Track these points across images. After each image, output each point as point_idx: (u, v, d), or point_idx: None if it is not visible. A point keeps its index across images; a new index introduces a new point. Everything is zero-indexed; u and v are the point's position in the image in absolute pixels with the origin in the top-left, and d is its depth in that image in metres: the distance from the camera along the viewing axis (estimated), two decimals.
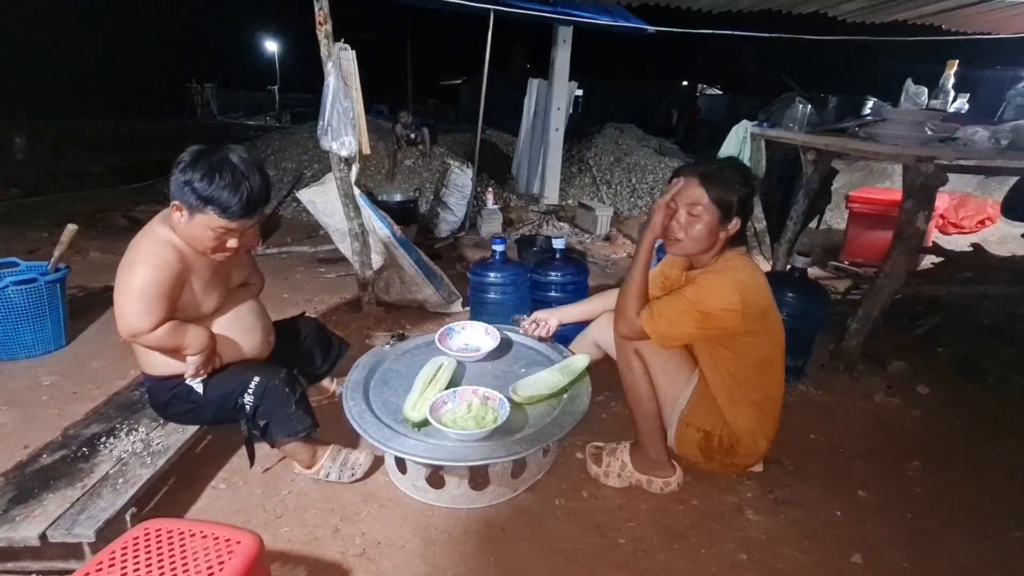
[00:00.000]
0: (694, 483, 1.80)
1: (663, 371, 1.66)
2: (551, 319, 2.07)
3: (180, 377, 1.61)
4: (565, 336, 2.13)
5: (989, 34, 4.96)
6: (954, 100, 3.04)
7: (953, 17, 4.42)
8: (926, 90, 2.96)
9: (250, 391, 1.60)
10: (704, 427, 1.66)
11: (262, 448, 1.75)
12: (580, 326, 2.08)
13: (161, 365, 1.61)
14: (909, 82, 2.95)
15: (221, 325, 1.66)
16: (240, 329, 1.70)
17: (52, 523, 1.32)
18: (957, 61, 3.00)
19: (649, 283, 1.91)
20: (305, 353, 2.04)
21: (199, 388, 1.61)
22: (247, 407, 1.60)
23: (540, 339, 2.09)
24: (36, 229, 4.61)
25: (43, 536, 1.29)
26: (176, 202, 1.47)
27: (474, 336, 2.13)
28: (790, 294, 2.44)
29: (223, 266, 1.65)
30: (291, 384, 1.66)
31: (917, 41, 5.26)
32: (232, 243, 1.53)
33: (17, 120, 11.23)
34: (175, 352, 1.57)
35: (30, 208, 5.50)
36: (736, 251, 1.63)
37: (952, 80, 2.99)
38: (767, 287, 1.62)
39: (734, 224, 1.59)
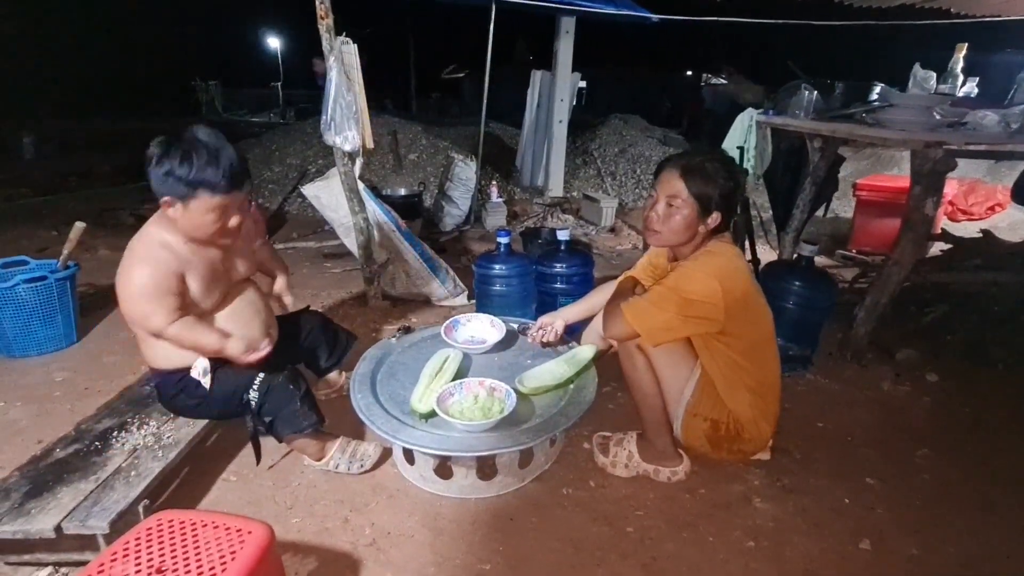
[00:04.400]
0: (701, 472, 1.80)
1: (667, 364, 1.65)
2: (557, 321, 2.04)
3: (186, 371, 1.62)
4: (571, 330, 2.12)
5: (998, 17, 4.88)
6: (963, 84, 2.99)
7: (961, 0, 4.35)
8: (934, 75, 2.91)
9: (254, 388, 1.61)
10: (711, 416, 1.67)
11: (269, 441, 1.77)
12: (585, 323, 2.07)
13: (164, 359, 1.62)
14: (917, 67, 2.90)
15: (218, 320, 1.64)
16: (237, 323, 1.67)
17: (66, 515, 1.34)
18: (966, 45, 2.95)
19: (639, 271, 1.93)
20: (311, 347, 2.05)
21: (205, 382, 1.62)
22: (252, 403, 1.61)
23: (549, 344, 2.05)
24: (45, 228, 4.65)
25: (58, 528, 1.31)
26: (164, 197, 1.43)
27: (480, 328, 2.14)
28: (797, 283, 2.43)
29: (225, 260, 1.64)
30: (295, 381, 1.66)
31: (925, 25, 5.19)
32: (234, 221, 1.52)
33: (25, 121, 11.29)
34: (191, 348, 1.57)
35: (39, 207, 5.55)
36: (719, 239, 1.63)
37: (961, 64, 2.93)
38: (747, 272, 1.63)
39: (714, 219, 1.58)
